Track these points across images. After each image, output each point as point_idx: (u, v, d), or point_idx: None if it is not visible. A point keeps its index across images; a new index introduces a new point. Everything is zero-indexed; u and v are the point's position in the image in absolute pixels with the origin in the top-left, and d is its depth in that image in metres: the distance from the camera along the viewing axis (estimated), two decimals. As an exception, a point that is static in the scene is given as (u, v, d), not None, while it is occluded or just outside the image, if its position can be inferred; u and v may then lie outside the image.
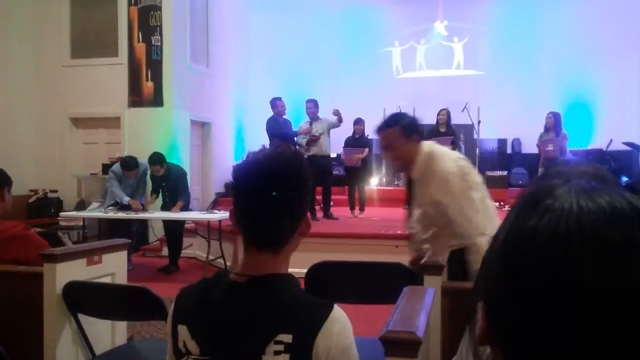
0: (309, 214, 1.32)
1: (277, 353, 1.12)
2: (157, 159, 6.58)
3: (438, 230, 2.69)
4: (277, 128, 7.41)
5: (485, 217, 2.58)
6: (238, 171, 1.21)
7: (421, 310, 1.41)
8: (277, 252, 1.20)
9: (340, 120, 7.51)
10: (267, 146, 6.49)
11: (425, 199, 2.68)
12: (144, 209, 6.80)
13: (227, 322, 1.17)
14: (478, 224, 2.53)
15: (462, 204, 2.55)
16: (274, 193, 1.15)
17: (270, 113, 7.64)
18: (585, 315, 0.43)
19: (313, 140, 7.43)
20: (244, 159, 1.23)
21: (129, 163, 6.73)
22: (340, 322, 1.15)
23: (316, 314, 1.15)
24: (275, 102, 7.59)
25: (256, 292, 1.17)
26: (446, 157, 2.65)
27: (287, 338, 1.12)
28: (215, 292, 1.19)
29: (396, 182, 10.38)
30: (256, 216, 1.19)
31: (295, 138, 7.54)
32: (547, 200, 0.47)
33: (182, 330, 1.21)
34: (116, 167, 6.88)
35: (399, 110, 9.78)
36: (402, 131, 2.63)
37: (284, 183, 1.17)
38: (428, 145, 2.71)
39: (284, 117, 7.67)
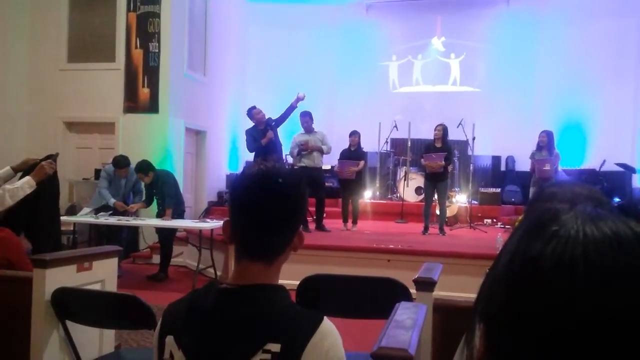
0: (301, 228, 1.29)
1: None
2: (140, 167, 6.56)
3: None
4: (253, 142, 7.30)
5: None
6: (234, 184, 1.23)
7: (413, 327, 1.40)
8: (269, 263, 1.21)
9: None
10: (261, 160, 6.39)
11: None
12: (133, 212, 6.77)
13: (215, 329, 1.15)
14: None
15: None
16: (269, 208, 1.17)
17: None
18: (587, 344, 0.42)
19: (303, 149, 7.41)
20: (241, 172, 1.24)
21: (120, 161, 6.74)
22: (331, 335, 1.15)
23: (306, 325, 1.14)
24: (251, 112, 7.44)
25: (246, 300, 1.17)
26: None
27: (276, 347, 1.11)
28: (204, 301, 1.18)
29: (390, 196, 10.39)
30: (250, 229, 1.20)
31: (290, 149, 7.54)
32: (553, 226, 0.47)
33: (169, 340, 1.20)
34: (109, 167, 6.89)
35: (394, 124, 9.91)
36: None
37: (279, 198, 1.19)
38: None
39: (265, 119, 7.46)
